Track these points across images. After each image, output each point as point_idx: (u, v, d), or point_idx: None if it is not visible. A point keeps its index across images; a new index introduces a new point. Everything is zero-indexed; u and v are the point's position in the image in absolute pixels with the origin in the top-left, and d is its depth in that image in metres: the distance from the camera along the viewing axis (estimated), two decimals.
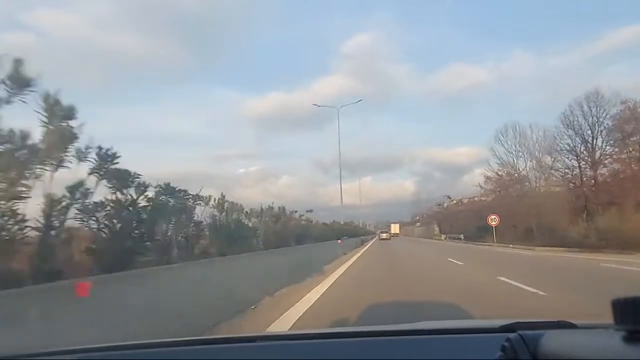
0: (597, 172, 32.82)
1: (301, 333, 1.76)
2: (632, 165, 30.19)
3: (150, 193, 6.78)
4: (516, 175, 39.81)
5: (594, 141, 32.90)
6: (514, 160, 40.18)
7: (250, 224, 12.92)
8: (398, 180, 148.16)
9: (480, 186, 45.89)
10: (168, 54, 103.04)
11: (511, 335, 1.00)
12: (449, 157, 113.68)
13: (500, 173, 41.65)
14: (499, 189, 42.47)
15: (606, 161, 32.52)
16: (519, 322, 1.34)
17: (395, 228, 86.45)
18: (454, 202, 65.11)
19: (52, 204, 4.79)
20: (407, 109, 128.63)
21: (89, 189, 5.46)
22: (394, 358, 1.38)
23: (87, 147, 5.48)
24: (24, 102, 4.44)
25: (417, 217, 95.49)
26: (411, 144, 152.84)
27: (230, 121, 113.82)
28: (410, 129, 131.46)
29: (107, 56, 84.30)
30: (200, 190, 9.56)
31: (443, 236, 59.62)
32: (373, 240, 52.69)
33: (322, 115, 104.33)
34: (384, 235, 60.05)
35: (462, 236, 47.18)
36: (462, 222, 52.27)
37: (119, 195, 5.92)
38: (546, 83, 74.86)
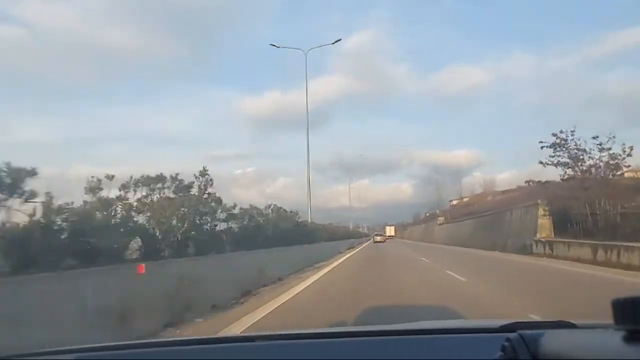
0: None
1: (301, 333, 1.75)
2: None
3: None
4: None
5: None
6: None
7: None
8: (396, 183, 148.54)
9: None
10: (163, 51, 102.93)
11: (511, 335, 0.99)
12: (448, 159, 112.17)
13: None
14: None
15: None
16: (518, 322, 1.33)
17: (390, 230, 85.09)
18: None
19: None
20: (406, 110, 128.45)
21: None
22: (394, 358, 1.37)
23: None
24: None
25: (426, 213, 72.64)
26: (410, 145, 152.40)
27: (226, 121, 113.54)
28: (409, 130, 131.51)
29: (101, 53, 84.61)
30: None
31: None
32: (359, 248, 39.25)
33: (319, 116, 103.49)
34: (378, 238, 59.21)
35: None
36: None
37: None
38: (546, 84, 73.21)
